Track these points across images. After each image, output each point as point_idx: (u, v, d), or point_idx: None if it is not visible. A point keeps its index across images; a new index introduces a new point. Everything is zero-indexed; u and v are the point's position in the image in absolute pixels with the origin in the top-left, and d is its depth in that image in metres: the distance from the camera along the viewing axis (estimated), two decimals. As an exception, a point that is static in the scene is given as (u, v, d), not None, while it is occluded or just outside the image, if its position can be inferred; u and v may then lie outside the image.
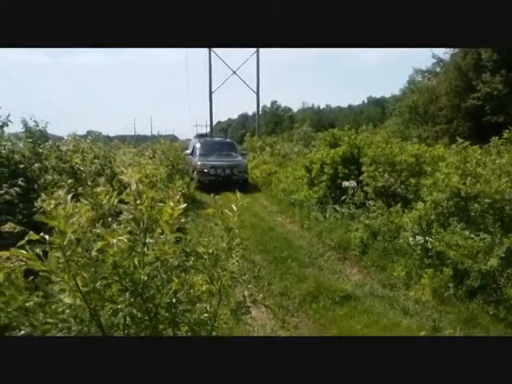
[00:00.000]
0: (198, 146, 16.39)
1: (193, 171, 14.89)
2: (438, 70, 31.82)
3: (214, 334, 2.01)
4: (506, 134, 6.28)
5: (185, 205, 1.78)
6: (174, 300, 1.83)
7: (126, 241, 1.67)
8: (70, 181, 5.23)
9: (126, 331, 1.77)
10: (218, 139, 19.63)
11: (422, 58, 38.98)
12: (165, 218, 1.73)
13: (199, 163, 14.77)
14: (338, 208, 8.30)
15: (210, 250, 1.98)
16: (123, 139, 26.38)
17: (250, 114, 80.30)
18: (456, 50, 27.95)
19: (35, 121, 6.88)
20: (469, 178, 5.39)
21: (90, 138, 9.80)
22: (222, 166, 14.64)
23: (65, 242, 1.50)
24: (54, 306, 1.65)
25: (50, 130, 7.17)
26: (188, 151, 16.86)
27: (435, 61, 31.13)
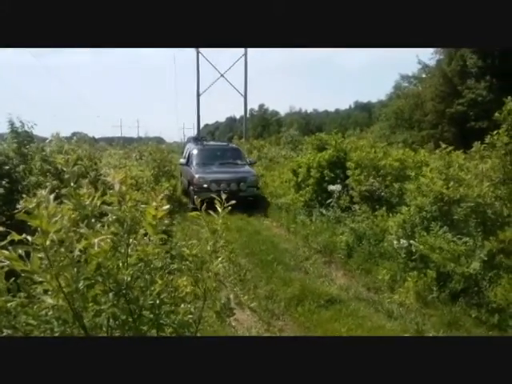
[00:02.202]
0: (194, 152, 12.74)
1: (188, 185, 11.69)
2: (423, 75, 32.25)
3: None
4: (487, 139, 6.38)
5: (168, 206, 1.78)
6: (157, 301, 1.83)
7: (108, 240, 1.66)
8: (54, 182, 5.19)
9: (109, 332, 1.76)
10: (219, 144, 15.64)
11: (408, 62, 39.43)
12: (148, 219, 1.74)
13: (197, 176, 11.15)
14: (324, 212, 8.36)
15: (195, 252, 1.99)
16: (110, 141, 26.31)
17: (238, 117, 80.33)
18: (441, 55, 28.41)
19: (21, 121, 6.81)
20: (451, 183, 5.48)
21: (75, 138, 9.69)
22: (226, 179, 11.07)
23: (47, 242, 1.49)
24: (36, 307, 1.64)
25: (35, 131, 7.10)
26: (182, 160, 13.23)
27: (421, 66, 31.61)
